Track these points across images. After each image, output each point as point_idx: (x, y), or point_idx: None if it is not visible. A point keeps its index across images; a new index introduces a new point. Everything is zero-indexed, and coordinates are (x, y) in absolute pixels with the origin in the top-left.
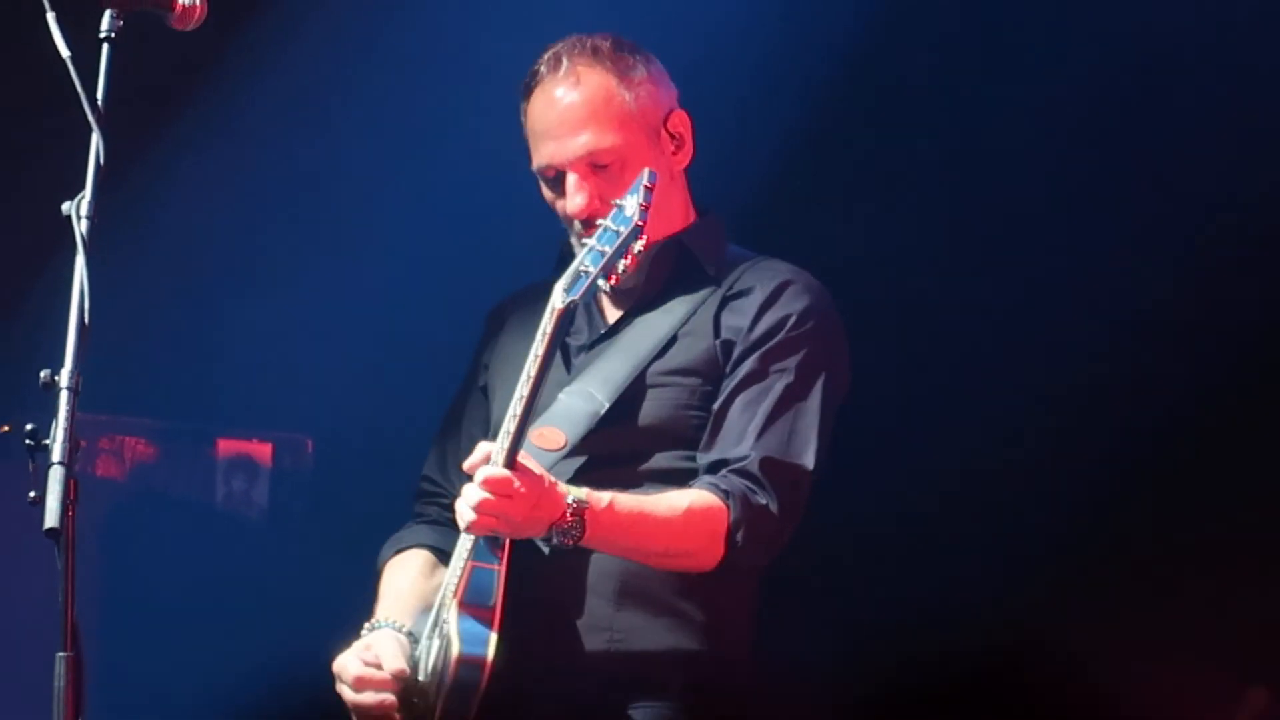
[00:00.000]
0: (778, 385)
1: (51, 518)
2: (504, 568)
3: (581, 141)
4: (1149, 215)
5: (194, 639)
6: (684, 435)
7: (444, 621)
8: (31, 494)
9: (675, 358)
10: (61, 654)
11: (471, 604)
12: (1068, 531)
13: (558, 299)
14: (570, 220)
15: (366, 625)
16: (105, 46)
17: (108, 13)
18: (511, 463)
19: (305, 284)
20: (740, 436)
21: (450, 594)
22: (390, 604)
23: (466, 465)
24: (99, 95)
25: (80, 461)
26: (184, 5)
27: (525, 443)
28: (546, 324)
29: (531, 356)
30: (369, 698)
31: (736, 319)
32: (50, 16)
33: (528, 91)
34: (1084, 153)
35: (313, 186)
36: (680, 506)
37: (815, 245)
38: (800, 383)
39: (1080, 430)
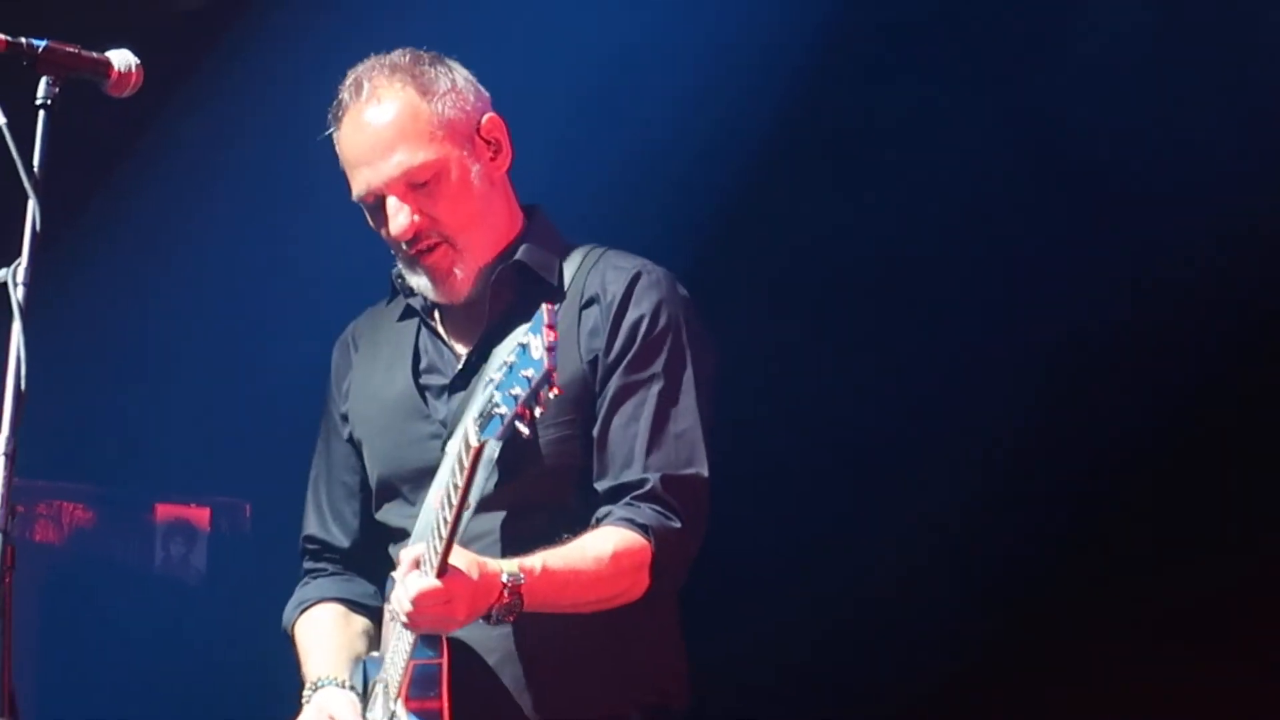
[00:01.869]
0: (650, 395)
1: None
2: (445, 660)
3: (395, 162)
4: (1132, 223)
5: (132, 703)
6: (576, 465)
7: (394, 715)
8: None
9: (551, 403)
10: None
11: (419, 698)
12: (1058, 538)
13: (472, 436)
14: (396, 244)
15: (308, 687)
16: (41, 113)
17: (44, 80)
18: (444, 569)
19: (242, 350)
20: (629, 458)
21: (395, 691)
22: (321, 660)
23: (398, 574)
24: (35, 162)
25: (18, 527)
26: (120, 72)
27: (428, 510)
28: (464, 458)
29: (452, 485)
30: None
31: (593, 333)
32: None
33: (336, 122)
34: (1079, 150)
35: (250, 252)
36: (607, 553)
37: (796, 253)
38: (671, 386)
39: (1069, 438)
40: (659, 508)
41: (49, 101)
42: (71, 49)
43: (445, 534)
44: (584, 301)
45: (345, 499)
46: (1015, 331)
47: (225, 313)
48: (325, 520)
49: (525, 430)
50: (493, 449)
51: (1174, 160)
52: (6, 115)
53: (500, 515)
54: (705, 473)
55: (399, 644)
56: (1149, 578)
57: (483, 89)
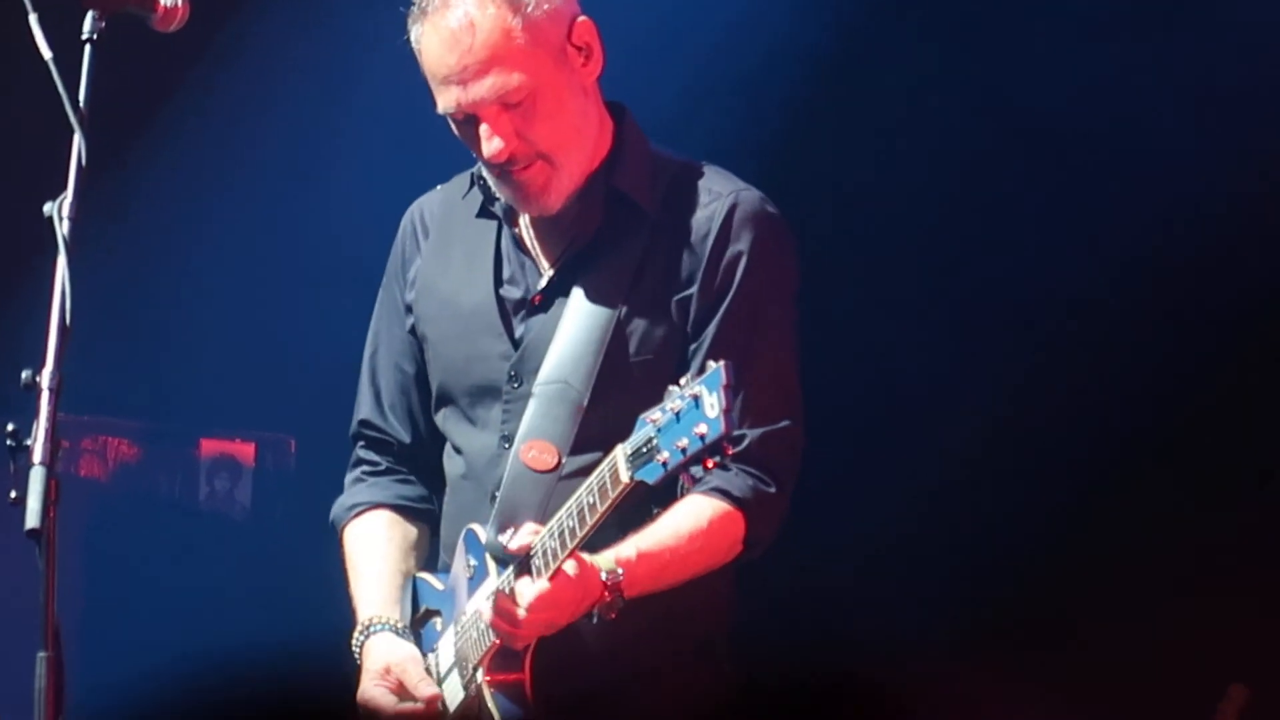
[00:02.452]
0: (749, 345)
1: (33, 518)
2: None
3: (488, 84)
4: (1123, 222)
5: (177, 639)
6: (660, 389)
7: (474, 682)
8: (13, 494)
9: (638, 333)
10: (42, 654)
11: (501, 670)
12: (1058, 523)
13: (623, 470)
14: (489, 163)
15: (359, 629)
16: (87, 48)
17: (90, 14)
18: (554, 577)
19: (286, 284)
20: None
21: (476, 658)
22: (372, 595)
23: (507, 550)
24: (81, 96)
25: (63, 462)
26: (166, 6)
27: (515, 461)
28: (609, 489)
29: (587, 504)
30: None
31: (687, 267)
32: (32, 18)
33: (418, 25)
34: (1074, 147)
35: (295, 187)
36: (701, 530)
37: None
38: (772, 333)
39: (1061, 428)
40: (755, 471)
41: (95, 36)
42: None
43: (570, 545)
44: (676, 231)
45: (403, 389)
46: (1007, 308)
47: (269, 248)
48: (383, 408)
49: (688, 483)
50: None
51: (1174, 141)
52: (53, 50)
53: (593, 456)
54: (799, 421)
55: (480, 618)
56: (1143, 550)
57: None
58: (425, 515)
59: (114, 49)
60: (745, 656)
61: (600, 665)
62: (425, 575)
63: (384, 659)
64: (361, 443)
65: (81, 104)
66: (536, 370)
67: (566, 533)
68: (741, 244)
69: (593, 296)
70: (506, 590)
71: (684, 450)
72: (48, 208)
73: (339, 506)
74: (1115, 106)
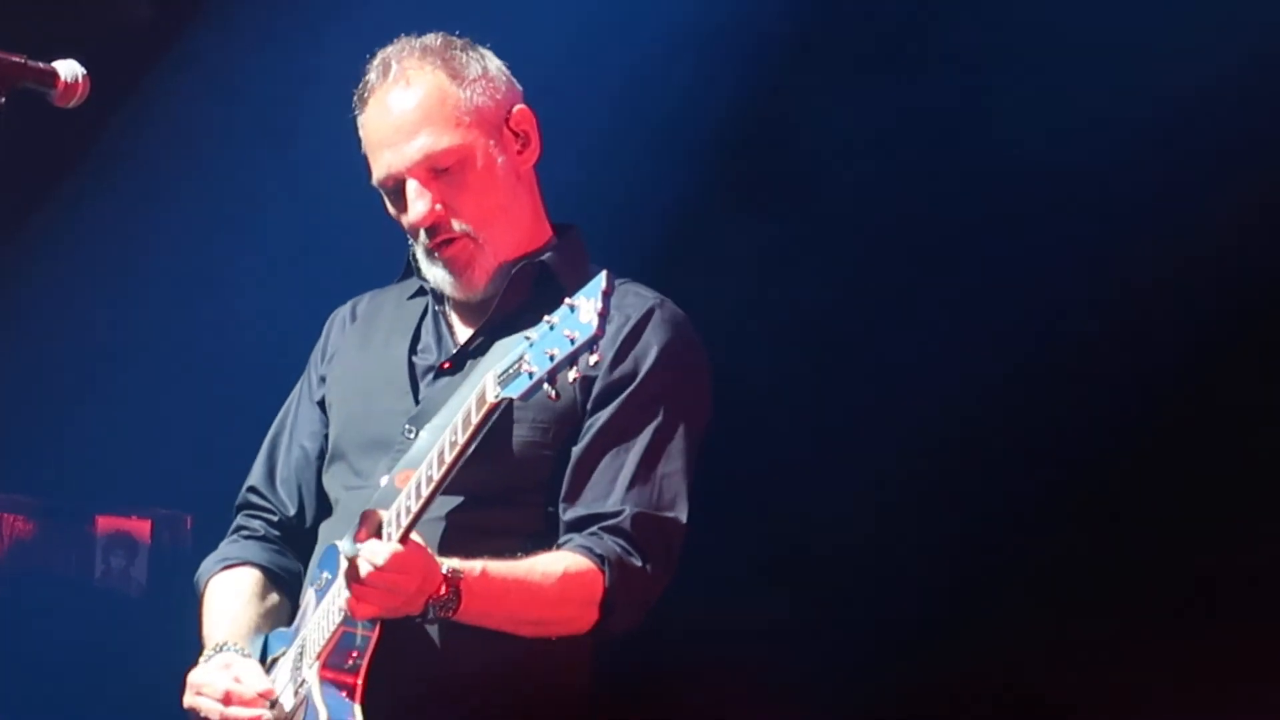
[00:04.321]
0: (646, 430)
1: None
2: (376, 634)
3: (418, 145)
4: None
5: (71, 716)
6: (540, 477)
7: (304, 683)
8: None
9: (533, 406)
10: None
11: (336, 668)
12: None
13: (490, 389)
14: (414, 231)
15: (209, 649)
16: None
17: None
18: (405, 539)
19: (180, 362)
20: (609, 489)
21: (313, 655)
22: (225, 628)
23: (343, 544)
24: None
25: None
26: (66, 82)
27: (388, 487)
28: (473, 414)
29: (449, 443)
30: (238, 713)
31: (599, 350)
32: None
33: (361, 104)
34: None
35: (197, 263)
36: (555, 573)
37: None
38: (668, 426)
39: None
40: (624, 543)
41: None
42: (18, 59)
43: (425, 493)
44: None
45: (300, 464)
46: (996, 311)
47: (167, 325)
48: (274, 480)
49: (552, 394)
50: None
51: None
52: None
53: (456, 500)
54: (684, 519)
55: (329, 607)
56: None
57: (515, 81)
58: (290, 588)
59: (13, 125)
60: None
61: (434, 698)
62: (282, 629)
63: (226, 658)
64: (246, 510)
65: None
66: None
67: (422, 483)
68: (656, 340)
69: (497, 359)
70: (353, 552)
71: (553, 358)
72: None
73: (206, 561)
74: (1101, 112)
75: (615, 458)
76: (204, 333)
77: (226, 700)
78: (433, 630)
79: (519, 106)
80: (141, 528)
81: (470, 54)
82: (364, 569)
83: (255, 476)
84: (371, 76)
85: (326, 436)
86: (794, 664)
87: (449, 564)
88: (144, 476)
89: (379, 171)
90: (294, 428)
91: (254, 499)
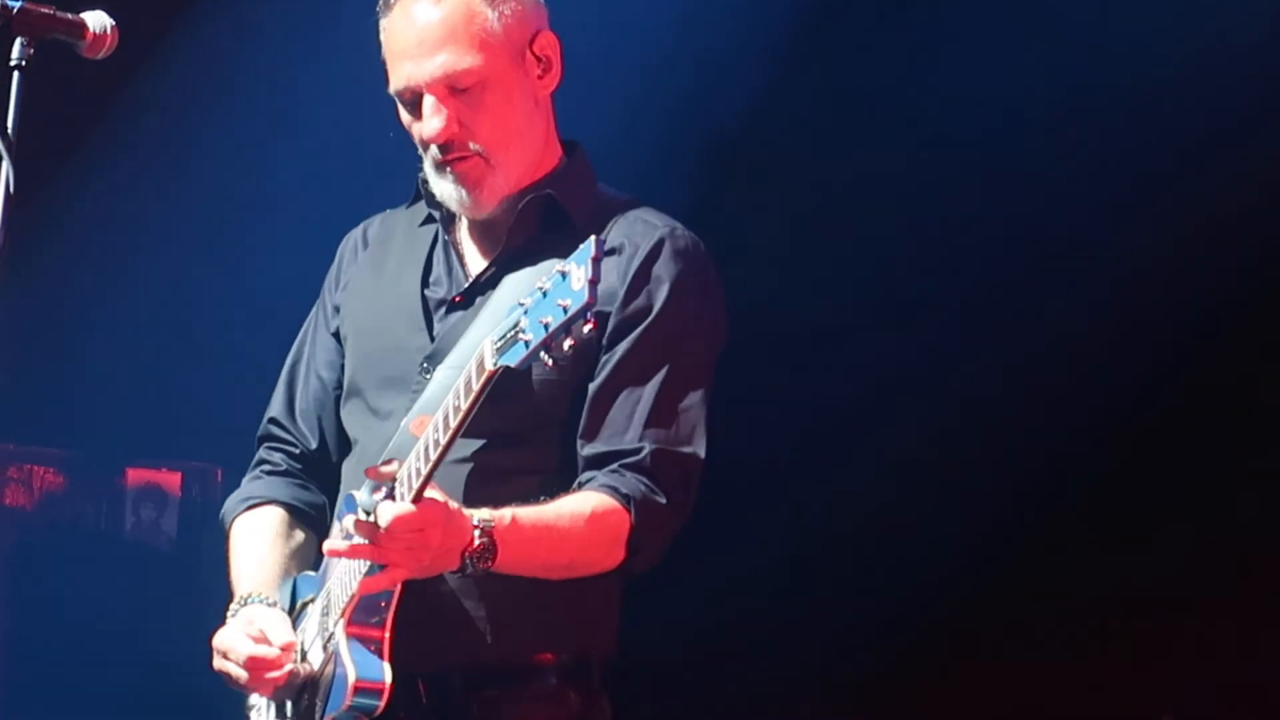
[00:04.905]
0: (662, 367)
1: None
2: (399, 588)
3: (439, 61)
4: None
5: (102, 668)
6: (559, 415)
7: (332, 637)
8: None
9: None
10: None
11: (361, 623)
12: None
13: (488, 358)
14: (426, 145)
15: (235, 601)
16: (15, 74)
17: (18, 40)
18: (419, 498)
19: (213, 314)
20: (626, 425)
21: (338, 611)
22: (252, 573)
23: (359, 494)
24: (9, 123)
25: None
26: (95, 33)
27: (404, 433)
28: (474, 381)
29: (453, 408)
30: (272, 675)
31: (611, 283)
32: None
33: (386, 7)
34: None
35: (224, 215)
36: (583, 515)
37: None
38: (685, 363)
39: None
40: (647, 480)
41: (23, 63)
42: (46, 10)
43: (433, 456)
44: (606, 250)
45: (318, 395)
46: (1001, 304)
47: (197, 276)
48: (294, 412)
49: (549, 362)
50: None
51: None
52: None
53: (477, 443)
54: (702, 454)
55: (351, 564)
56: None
57: (543, 4)
58: (316, 523)
59: (42, 76)
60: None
61: (464, 647)
62: (310, 572)
63: (250, 613)
64: (267, 443)
65: (9, 131)
66: (446, 359)
67: (430, 446)
68: (667, 272)
69: (509, 294)
70: (365, 514)
71: (547, 326)
72: None
73: (231, 499)
74: (1100, 105)
75: (632, 393)
76: (234, 285)
77: (251, 666)
78: (456, 577)
79: (544, 31)
80: (172, 480)
81: None
82: (372, 534)
83: (275, 407)
84: None
85: (343, 367)
86: (799, 654)
87: (479, 515)
88: (174, 429)
89: (397, 81)
90: (311, 357)
91: (275, 430)
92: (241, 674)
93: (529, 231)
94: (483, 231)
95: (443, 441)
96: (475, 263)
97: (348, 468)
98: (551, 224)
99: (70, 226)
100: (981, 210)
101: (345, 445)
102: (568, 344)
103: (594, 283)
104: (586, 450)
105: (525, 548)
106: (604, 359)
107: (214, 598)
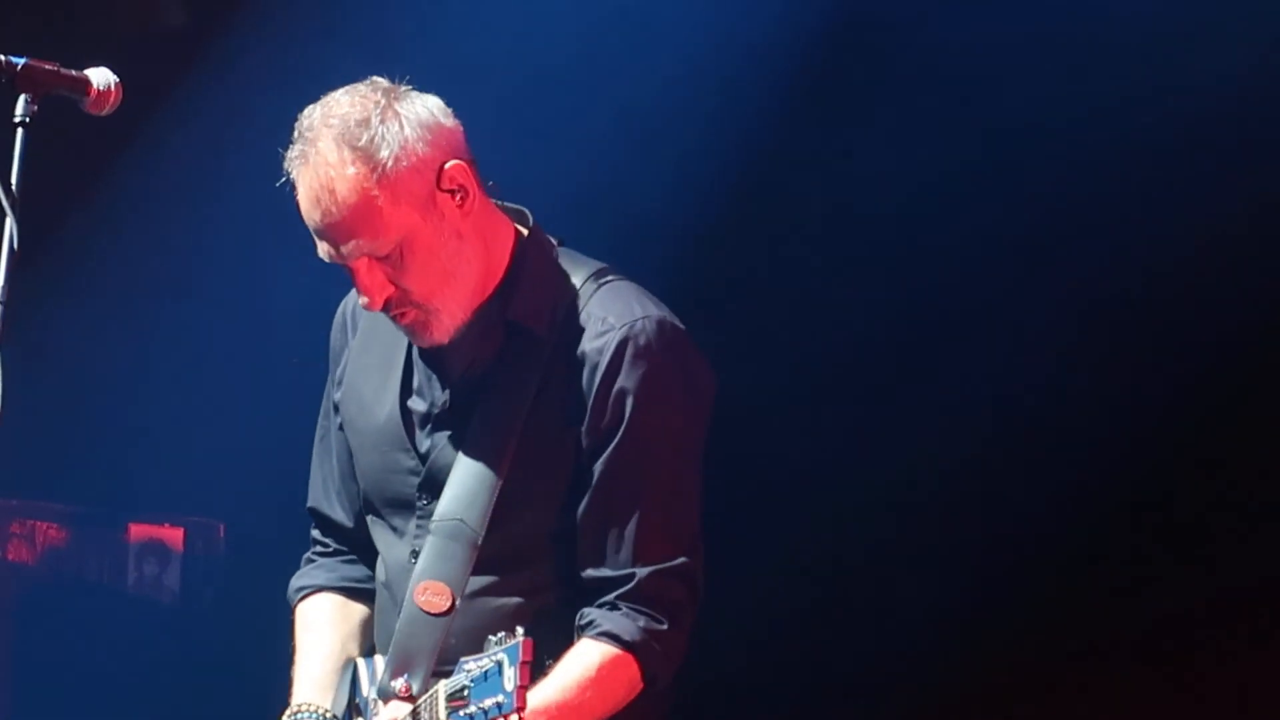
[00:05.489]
0: (644, 483)
1: None
2: None
3: (351, 246)
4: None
5: None
6: (544, 538)
7: None
8: None
9: (531, 465)
10: None
11: None
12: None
13: (441, 711)
14: None
15: (287, 714)
16: (20, 131)
17: (22, 97)
18: None
19: (216, 369)
20: (618, 547)
21: None
22: (307, 675)
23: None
24: (13, 179)
25: None
26: (99, 90)
27: (411, 604)
28: None
29: None
30: None
31: (577, 400)
32: None
33: (289, 175)
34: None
35: (229, 271)
36: (590, 678)
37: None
38: (666, 472)
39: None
40: (645, 610)
41: (27, 119)
42: (50, 66)
43: None
44: (570, 358)
45: (343, 475)
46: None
47: (201, 334)
48: (330, 494)
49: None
50: None
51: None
52: None
53: (488, 579)
54: (697, 557)
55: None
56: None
57: (442, 119)
58: (369, 595)
59: (47, 132)
60: None
61: None
62: (364, 661)
63: None
64: (314, 528)
65: (13, 187)
66: (441, 490)
67: None
68: (629, 381)
69: (490, 423)
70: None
71: (485, 711)
72: None
73: (291, 588)
74: (1110, 109)
75: (617, 514)
76: (238, 342)
77: None
78: None
79: (450, 164)
80: (174, 535)
81: (386, 125)
82: None
83: (314, 495)
84: (293, 158)
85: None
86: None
87: None
88: (177, 484)
89: (321, 253)
90: (331, 445)
91: (318, 513)
92: None
93: (494, 347)
94: (451, 343)
95: None
96: (453, 367)
97: (379, 576)
98: (512, 337)
99: (74, 282)
100: (994, 236)
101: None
102: None
103: (522, 689)
104: (584, 575)
105: None
106: (587, 479)
107: (216, 652)
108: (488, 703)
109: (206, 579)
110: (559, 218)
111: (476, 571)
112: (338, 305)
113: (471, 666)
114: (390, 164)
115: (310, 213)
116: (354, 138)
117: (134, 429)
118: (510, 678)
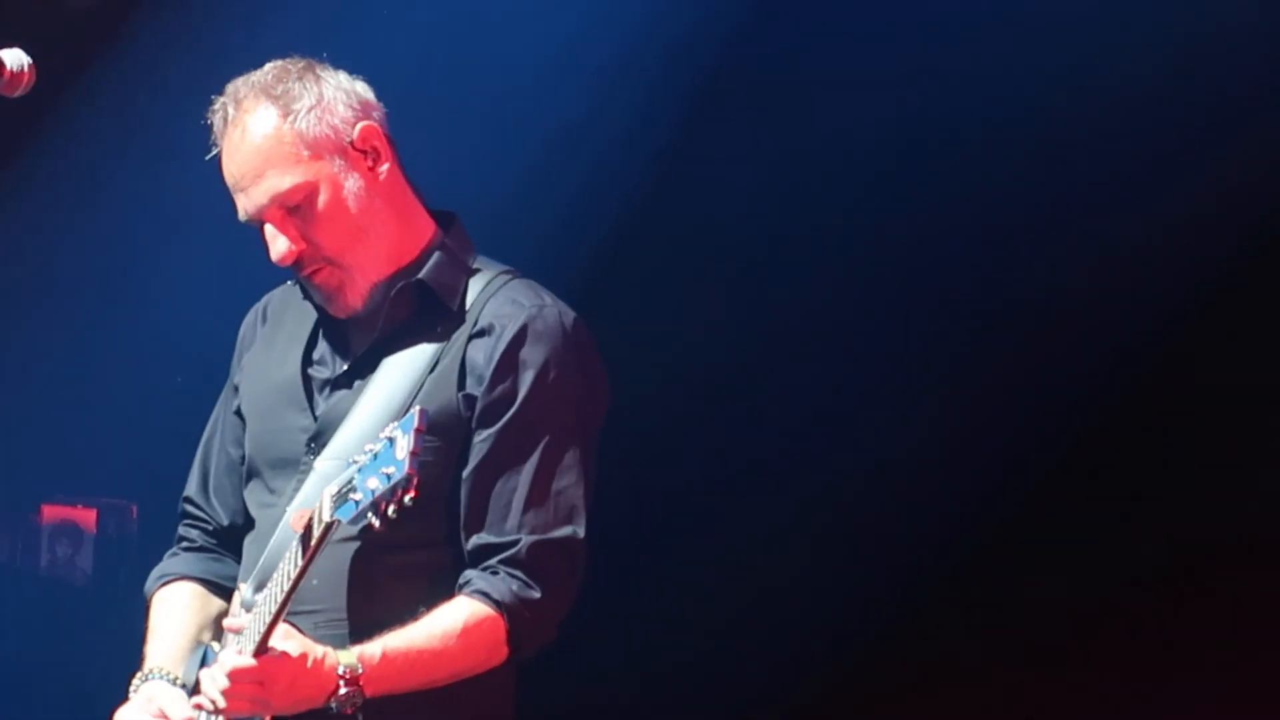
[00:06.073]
0: (535, 452)
1: None
2: None
3: (263, 188)
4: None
5: (19, 704)
6: (440, 494)
7: None
8: None
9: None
10: None
11: None
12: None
13: (326, 511)
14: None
15: (138, 676)
16: None
17: None
18: (264, 648)
19: (126, 349)
20: (504, 514)
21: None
22: (161, 648)
23: (219, 658)
24: None
25: None
26: (12, 71)
27: (285, 528)
28: (315, 529)
29: (292, 563)
30: None
31: (477, 365)
32: None
33: (215, 148)
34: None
35: (134, 251)
36: (455, 630)
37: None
38: (556, 443)
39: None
40: (520, 575)
41: None
42: None
43: (274, 609)
44: (475, 330)
45: (228, 471)
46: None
47: (109, 312)
48: (207, 489)
49: (377, 523)
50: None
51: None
52: None
53: (356, 544)
54: (581, 533)
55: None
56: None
57: (363, 94)
58: (230, 595)
59: None
60: None
61: None
62: (217, 645)
63: (150, 689)
64: (185, 520)
65: None
66: (328, 444)
67: (272, 601)
68: (529, 357)
69: (389, 383)
70: (214, 662)
71: (374, 490)
72: None
73: (150, 577)
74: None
75: (506, 482)
76: (148, 323)
77: None
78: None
79: (363, 124)
80: (87, 517)
81: (305, 81)
82: (218, 685)
83: (191, 486)
84: (216, 121)
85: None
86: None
87: (345, 661)
88: (89, 466)
89: (240, 213)
90: (221, 435)
91: (190, 509)
92: None
93: (403, 315)
94: (365, 315)
95: (280, 597)
96: (358, 341)
97: (247, 544)
98: (424, 307)
99: None
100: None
101: (253, 521)
102: (392, 509)
103: (414, 454)
104: (468, 543)
105: (398, 678)
106: (475, 444)
107: (131, 634)
108: (374, 481)
109: (119, 560)
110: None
111: (360, 550)
112: (245, 290)
113: (360, 457)
114: (303, 111)
115: (228, 163)
116: (271, 88)
117: (45, 410)
118: (403, 446)
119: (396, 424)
